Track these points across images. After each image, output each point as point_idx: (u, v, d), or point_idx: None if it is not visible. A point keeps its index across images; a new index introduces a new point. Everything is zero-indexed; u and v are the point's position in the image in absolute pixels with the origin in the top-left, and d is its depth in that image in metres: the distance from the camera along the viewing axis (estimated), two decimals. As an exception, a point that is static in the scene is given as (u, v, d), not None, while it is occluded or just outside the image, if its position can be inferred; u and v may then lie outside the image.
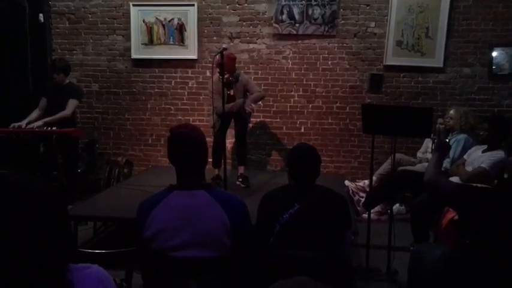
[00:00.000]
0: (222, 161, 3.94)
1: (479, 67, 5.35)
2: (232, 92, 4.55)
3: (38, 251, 1.00)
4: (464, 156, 4.13)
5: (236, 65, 4.75)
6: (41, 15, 5.60)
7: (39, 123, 4.64)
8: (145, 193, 3.53)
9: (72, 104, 4.84)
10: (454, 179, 3.72)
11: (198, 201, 1.95)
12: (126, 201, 3.87)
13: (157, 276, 1.98)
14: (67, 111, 4.79)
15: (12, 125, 4.62)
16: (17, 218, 0.98)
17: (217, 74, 4.36)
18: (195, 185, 2.00)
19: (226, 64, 4.17)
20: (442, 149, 2.52)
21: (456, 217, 3.18)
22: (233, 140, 5.05)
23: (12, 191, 1.01)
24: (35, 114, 4.83)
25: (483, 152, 3.92)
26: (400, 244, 3.68)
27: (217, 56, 3.96)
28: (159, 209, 1.95)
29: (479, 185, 2.97)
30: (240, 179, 4.71)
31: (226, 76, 4.29)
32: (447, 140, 3.15)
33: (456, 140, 4.35)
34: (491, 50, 5.28)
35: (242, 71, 5.02)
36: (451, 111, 4.55)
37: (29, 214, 0.99)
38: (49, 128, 4.64)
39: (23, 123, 4.66)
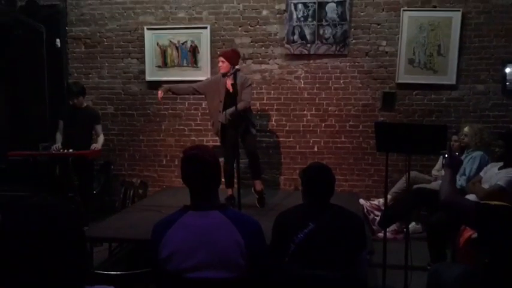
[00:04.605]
0: (235, 181, 3.94)
1: (492, 83, 5.32)
2: (231, 89, 4.27)
3: (55, 272, 1.01)
4: (481, 174, 4.08)
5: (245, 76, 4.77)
6: (57, 40, 5.74)
7: (98, 146, 4.91)
8: (160, 214, 3.54)
9: (100, 129, 5.09)
10: (471, 197, 3.67)
11: (212, 221, 1.96)
12: (141, 222, 3.89)
13: (172, 297, 1.98)
14: (102, 136, 5.08)
15: (53, 147, 4.81)
16: (36, 238, 1.00)
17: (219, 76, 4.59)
18: (209, 206, 2.00)
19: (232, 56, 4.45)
20: (454, 164, 2.48)
21: (474, 235, 3.12)
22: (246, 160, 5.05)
23: (31, 212, 1.03)
24: (59, 136, 4.94)
25: (499, 169, 3.87)
26: (417, 263, 3.62)
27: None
28: (174, 229, 1.95)
29: (497, 202, 2.93)
30: (257, 197, 4.62)
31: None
32: (457, 153, 3.11)
33: (471, 157, 4.30)
34: (504, 67, 5.25)
35: (250, 79, 4.86)
36: (466, 128, 4.52)
37: (47, 235, 1.01)
38: (65, 151, 4.71)
39: (58, 144, 4.84)
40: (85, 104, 5.04)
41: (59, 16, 5.80)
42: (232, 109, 4.22)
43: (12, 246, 0.98)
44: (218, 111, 4.55)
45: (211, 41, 5.63)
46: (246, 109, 4.52)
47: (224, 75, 4.47)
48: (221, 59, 4.49)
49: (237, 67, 4.29)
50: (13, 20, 5.22)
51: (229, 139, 4.55)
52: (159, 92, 4.74)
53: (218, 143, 5.07)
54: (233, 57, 4.50)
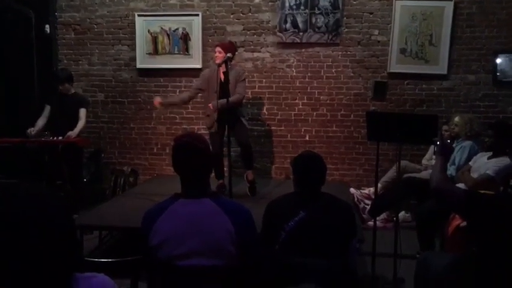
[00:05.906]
0: (225, 170, 3.94)
1: (483, 74, 5.35)
2: (223, 78, 4.43)
3: (44, 260, 1.00)
4: (470, 163, 4.12)
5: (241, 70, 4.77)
6: (47, 26, 5.66)
7: (73, 134, 4.66)
8: (150, 202, 3.53)
9: (83, 113, 4.88)
10: (460, 186, 3.70)
11: (203, 209, 1.95)
12: (131, 210, 3.88)
13: (163, 285, 1.98)
14: (83, 121, 4.84)
15: (29, 130, 4.63)
16: (26, 226, 0.99)
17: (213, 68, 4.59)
18: (200, 193, 2.00)
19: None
20: (445, 152, 2.49)
21: (462, 224, 3.16)
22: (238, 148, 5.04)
23: (21, 199, 1.02)
24: (41, 122, 4.83)
25: (488, 158, 3.91)
26: (406, 252, 3.65)
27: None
28: (165, 217, 1.95)
29: (487, 191, 2.96)
30: (248, 185, 4.65)
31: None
32: (448, 141, 3.12)
33: (461, 147, 4.34)
34: (496, 57, 5.28)
35: (245, 72, 4.96)
36: (456, 118, 4.55)
37: (37, 223, 1.00)
38: (54, 138, 4.66)
39: (36, 129, 4.69)
40: (73, 91, 4.97)
41: (49, 1, 5.71)
42: (223, 100, 4.21)
43: (0, 235, 0.97)
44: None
45: (203, 29, 5.59)
46: (239, 102, 4.52)
47: (219, 65, 4.46)
48: (218, 49, 4.47)
49: (228, 55, 4.28)
50: (1, 5, 5.13)
51: (218, 131, 4.56)
52: (159, 101, 4.70)
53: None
54: (230, 48, 4.51)
